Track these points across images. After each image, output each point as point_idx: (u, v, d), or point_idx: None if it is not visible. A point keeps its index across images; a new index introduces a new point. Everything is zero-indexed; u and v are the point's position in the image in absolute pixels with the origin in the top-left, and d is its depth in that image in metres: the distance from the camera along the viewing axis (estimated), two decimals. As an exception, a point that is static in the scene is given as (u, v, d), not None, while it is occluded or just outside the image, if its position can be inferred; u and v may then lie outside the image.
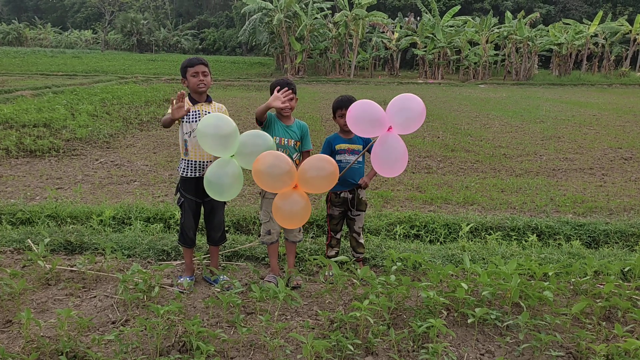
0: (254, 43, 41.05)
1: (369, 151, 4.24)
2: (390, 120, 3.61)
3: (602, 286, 3.90)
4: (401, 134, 3.70)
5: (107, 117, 12.66)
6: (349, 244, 4.55)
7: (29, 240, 4.72)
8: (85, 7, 78.45)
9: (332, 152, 4.27)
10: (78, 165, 8.45)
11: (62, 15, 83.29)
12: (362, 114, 3.65)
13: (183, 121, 3.94)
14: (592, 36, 35.66)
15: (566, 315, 3.47)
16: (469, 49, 35.67)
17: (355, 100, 4.20)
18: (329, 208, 4.37)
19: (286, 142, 4.11)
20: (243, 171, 3.65)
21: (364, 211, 4.40)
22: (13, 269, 3.99)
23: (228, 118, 3.59)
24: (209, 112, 4.01)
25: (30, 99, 15.01)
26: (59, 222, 5.41)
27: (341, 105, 4.18)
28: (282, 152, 4.07)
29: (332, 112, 4.34)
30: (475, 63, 35.57)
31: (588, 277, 3.99)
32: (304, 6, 33.69)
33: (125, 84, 22.21)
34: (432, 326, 3.11)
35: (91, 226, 5.23)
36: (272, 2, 33.63)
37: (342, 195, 4.29)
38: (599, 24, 35.34)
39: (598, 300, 3.67)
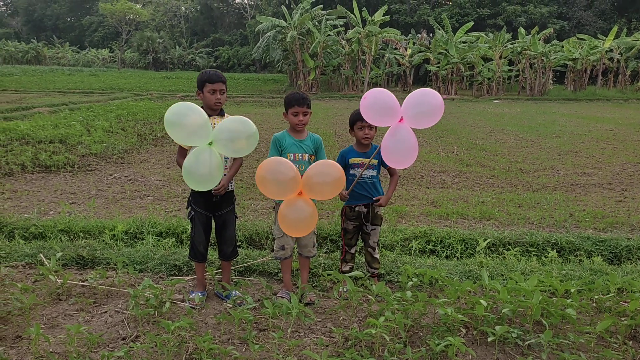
0: (267, 60, 41.39)
1: (376, 158, 4.18)
2: (403, 111, 3.59)
3: (626, 304, 3.76)
4: (414, 128, 3.67)
5: (122, 133, 12.75)
6: (364, 259, 4.46)
7: (41, 254, 4.69)
8: (103, 27, 79.89)
9: (346, 166, 4.21)
10: (92, 180, 8.47)
11: (80, 34, 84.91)
12: (374, 101, 3.66)
13: None
14: (607, 51, 35.39)
15: (590, 334, 3.34)
16: (483, 65, 35.56)
17: None
18: (344, 222, 4.29)
19: (300, 157, 4.05)
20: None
21: (380, 225, 4.31)
22: (24, 284, 3.96)
23: (197, 107, 3.47)
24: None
25: (47, 116, 15.20)
26: (72, 237, 5.39)
27: (360, 118, 4.11)
28: (298, 167, 4.02)
29: (349, 124, 4.26)
30: (489, 79, 35.43)
31: (612, 295, 3.86)
32: (317, 23, 33.91)
33: (141, 100, 22.42)
34: (451, 344, 3.00)
35: (103, 241, 5.21)
36: (285, 20, 33.94)
37: (357, 209, 4.21)
38: (614, 39, 35.10)
39: (623, 319, 3.53)
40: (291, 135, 4.11)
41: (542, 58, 33.85)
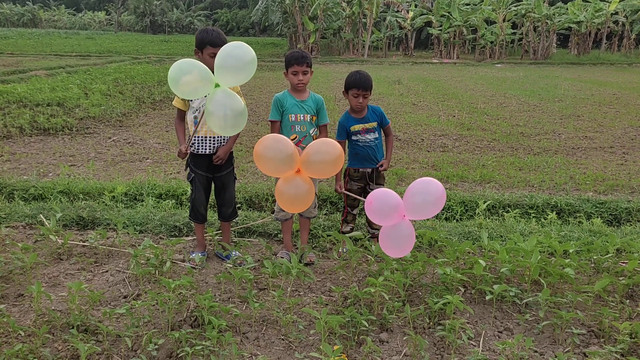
0: (266, 23, 40.71)
1: (382, 126, 4.20)
2: (405, 208, 3.25)
3: (625, 264, 3.78)
4: (415, 219, 3.41)
5: (120, 96, 12.61)
6: (364, 220, 4.47)
7: (41, 215, 4.70)
8: (99, -12, 78.35)
9: (348, 134, 4.19)
10: (91, 143, 8.43)
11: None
12: (379, 206, 3.30)
13: (191, 100, 3.83)
14: (612, 14, 34.70)
15: (588, 293, 3.36)
16: (485, 28, 34.94)
17: (371, 78, 4.09)
18: (347, 183, 4.28)
19: (302, 118, 4.01)
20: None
21: (383, 185, 4.31)
22: (25, 244, 3.97)
23: (198, 63, 3.34)
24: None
25: (45, 79, 15.00)
26: (72, 198, 5.39)
27: (357, 86, 4.03)
28: (299, 128, 3.98)
29: (344, 87, 4.18)
30: (491, 42, 34.85)
31: (610, 255, 3.88)
32: (317, -16, 33.18)
33: (139, 64, 22.11)
34: (449, 303, 3.02)
35: (103, 202, 5.21)
36: (285, -19, 33.20)
37: (361, 169, 4.20)
38: (619, 2, 34.36)
39: (621, 278, 3.55)
40: (292, 95, 4.05)
41: (546, 21, 33.24)
